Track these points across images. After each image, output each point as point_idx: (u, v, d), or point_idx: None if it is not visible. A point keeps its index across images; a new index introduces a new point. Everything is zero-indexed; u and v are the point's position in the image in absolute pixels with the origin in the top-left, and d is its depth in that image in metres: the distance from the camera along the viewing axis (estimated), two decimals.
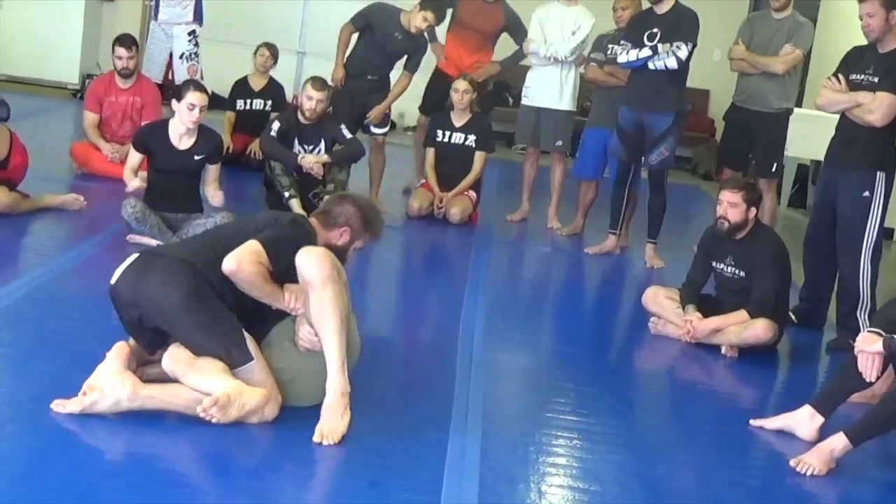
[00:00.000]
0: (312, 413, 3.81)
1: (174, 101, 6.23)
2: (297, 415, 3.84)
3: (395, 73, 8.07)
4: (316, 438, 3.70)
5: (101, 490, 3.24)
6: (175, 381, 3.78)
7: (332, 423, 3.75)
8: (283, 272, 3.92)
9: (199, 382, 3.70)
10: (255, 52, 9.09)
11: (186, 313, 3.77)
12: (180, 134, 6.23)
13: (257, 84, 9.04)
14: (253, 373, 3.76)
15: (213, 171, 6.36)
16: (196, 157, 6.27)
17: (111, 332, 4.14)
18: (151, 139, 6.27)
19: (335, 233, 4.20)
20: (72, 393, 3.71)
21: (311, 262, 3.84)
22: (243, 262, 3.82)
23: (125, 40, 7.85)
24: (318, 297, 3.81)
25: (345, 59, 7.88)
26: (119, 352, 3.84)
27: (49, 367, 4.09)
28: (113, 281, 3.93)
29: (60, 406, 3.66)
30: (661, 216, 7.20)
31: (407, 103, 9.05)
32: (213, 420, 3.60)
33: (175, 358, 3.78)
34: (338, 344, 3.81)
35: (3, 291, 4.96)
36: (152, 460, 3.51)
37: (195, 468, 3.40)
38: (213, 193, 6.36)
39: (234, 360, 3.75)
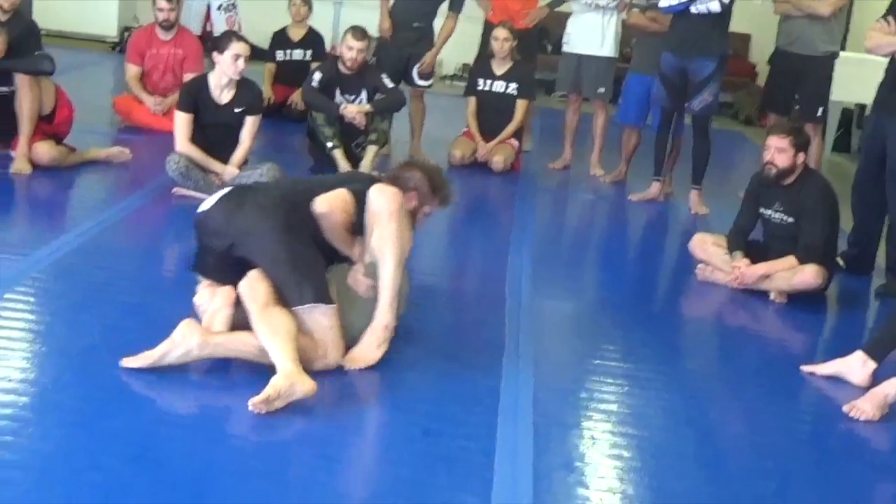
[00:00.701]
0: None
1: (215, 54, 6.21)
2: None
3: (437, 23, 8.01)
4: (344, 362, 3.83)
5: (160, 438, 3.27)
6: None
7: (367, 351, 3.91)
8: (357, 228, 4.02)
9: (264, 337, 3.67)
10: (289, 3, 9.05)
11: (281, 234, 3.84)
12: (221, 87, 6.21)
13: (296, 34, 9.01)
14: (329, 317, 3.81)
15: (251, 123, 6.28)
16: (236, 110, 6.24)
17: (162, 283, 4.18)
18: (197, 96, 6.21)
19: (404, 197, 4.25)
20: (125, 344, 3.74)
21: (383, 196, 3.97)
22: (335, 206, 3.94)
23: None
24: (382, 228, 3.92)
25: (389, 9, 7.83)
26: (228, 293, 3.88)
27: (102, 318, 4.14)
28: (202, 209, 3.99)
29: (131, 362, 3.66)
30: (705, 162, 7.16)
31: (446, 51, 8.98)
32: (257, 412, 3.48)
33: (254, 292, 3.77)
34: (393, 275, 3.93)
35: (54, 245, 5.00)
36: (207, 410, 3.55)
37: (251, 416, 3.42)
38: (228, 169, 6.19)
39: (318, 296, 3.79)
